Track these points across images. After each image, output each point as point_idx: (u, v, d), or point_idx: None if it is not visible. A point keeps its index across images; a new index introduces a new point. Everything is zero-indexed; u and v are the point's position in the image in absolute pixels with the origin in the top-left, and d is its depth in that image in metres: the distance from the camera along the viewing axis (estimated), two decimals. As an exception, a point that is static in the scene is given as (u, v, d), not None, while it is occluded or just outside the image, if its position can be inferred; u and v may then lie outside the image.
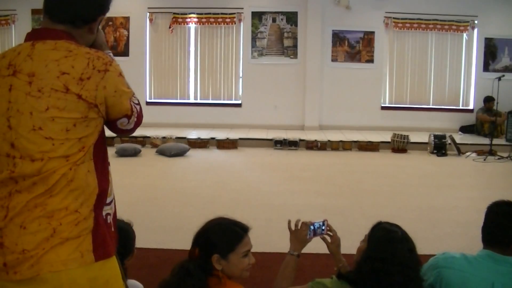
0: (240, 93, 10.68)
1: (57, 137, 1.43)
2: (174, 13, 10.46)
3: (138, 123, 1.62)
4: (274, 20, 10.52)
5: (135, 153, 8.00)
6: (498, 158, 8.20)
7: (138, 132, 5.89)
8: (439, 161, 8.07)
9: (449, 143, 8.54)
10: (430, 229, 4.47)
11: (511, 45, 10.56)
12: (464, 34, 10.50)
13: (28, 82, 1.44)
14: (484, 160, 8.06)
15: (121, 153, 7.87)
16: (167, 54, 10.69)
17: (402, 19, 10.43)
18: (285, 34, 10.52)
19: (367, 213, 4.91)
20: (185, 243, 2.02)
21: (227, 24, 10.50)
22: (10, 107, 1.45)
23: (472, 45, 10.57)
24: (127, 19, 10.55)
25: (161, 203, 5.32)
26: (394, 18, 10.43)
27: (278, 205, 5.22)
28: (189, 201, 5.36)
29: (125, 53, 10.52)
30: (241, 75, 10.64)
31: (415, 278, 1.82)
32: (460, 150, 8.52)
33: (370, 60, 10.55)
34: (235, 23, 10.49)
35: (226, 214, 2.06)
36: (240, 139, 9.01)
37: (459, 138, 9.40)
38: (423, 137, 9.07)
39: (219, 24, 10.52)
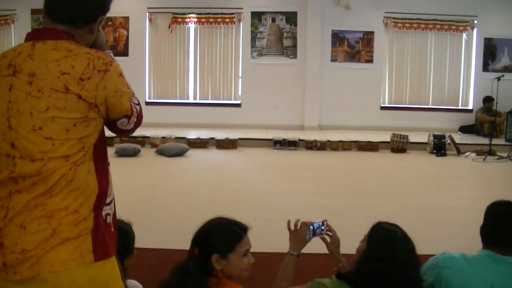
0: (240, 93, 10.68)
1: (57, 137, 1.43)
2: (173, 13, 10.46)
3: (138, 123, 1.62)
4: (273, 20, 10.51)
5: (134, 153, 8.00)
6: (498, 158, 8.20)
7: (137, 132, 5.87)
8: (438, 161, 8.07)
9: (449, 143, 8.54)
10: (430, 229, 4.47)
11: (510, 45, 10.56)
12: (464, 34, 10.49)
13: (28, 82, 1.44)
14: (484, 160, 8.06)
15: (121, 153, 7.87)
16: (167, 54, 10.68)
17: (401, 19, 10.43)
18: (285, 34, 10.52)
19: (367, 213, 4.91)
20: (185, 243, 2.02)
21: (226, 24, 10.50)
22: (10, 107, 1.45)
23: (471, 45, 10.56)
24: (126, 19, 10.54)
25: (161, 203, 5.32)
26: (393, 18, 10.42)
27: (277, 205, 5.22)
28: (189, 201, 5.36)
29: (124, 53, 10.51)
30: (240, 75, 10.64)
31: (415, 278, 1.82)
32: (459, 150, 8.52)
33: (370, 60, 10.55)
34: (234, 23, 10.49)
35: (226, 214, 2.06)
36: (240, 139, 9.01)
37: (459, 138, 9.40)
38: (423, 137, 9.07)
39: (218, 24, 10.51)
